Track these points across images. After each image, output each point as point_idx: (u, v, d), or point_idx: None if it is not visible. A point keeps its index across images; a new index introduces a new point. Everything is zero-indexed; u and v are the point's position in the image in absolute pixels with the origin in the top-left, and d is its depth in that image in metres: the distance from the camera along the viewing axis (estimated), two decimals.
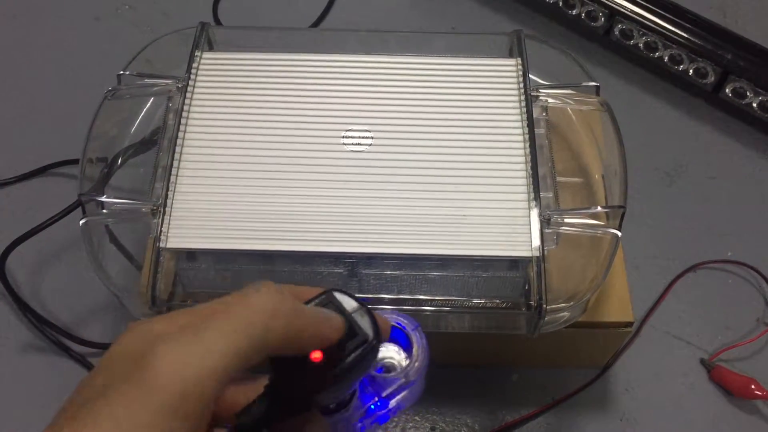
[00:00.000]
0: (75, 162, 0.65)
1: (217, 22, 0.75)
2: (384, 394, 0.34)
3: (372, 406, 0.34)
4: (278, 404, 0.29)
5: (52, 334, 0.57)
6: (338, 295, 0.30)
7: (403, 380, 0.34)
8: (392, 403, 0.35)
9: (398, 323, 0.35)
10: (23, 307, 0.57)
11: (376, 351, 0.30)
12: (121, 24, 0.76)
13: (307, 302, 0.30)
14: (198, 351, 0.26)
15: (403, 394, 0.35)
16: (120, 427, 0.25)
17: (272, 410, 0.29)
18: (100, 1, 0.78)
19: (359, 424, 0.34)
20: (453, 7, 0.78)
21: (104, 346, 0.57)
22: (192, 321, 0.28)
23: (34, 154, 0.66)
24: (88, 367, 0.56)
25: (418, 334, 0.35)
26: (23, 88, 0.72)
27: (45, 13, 0.77)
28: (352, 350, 0.29)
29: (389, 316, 0.35)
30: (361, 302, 0.31)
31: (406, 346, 0.35)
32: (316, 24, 0.76)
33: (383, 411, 0.34)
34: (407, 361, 0.35)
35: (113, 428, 0.25)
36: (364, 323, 0.30)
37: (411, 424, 0.55)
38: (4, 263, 0.55)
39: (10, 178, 0.65)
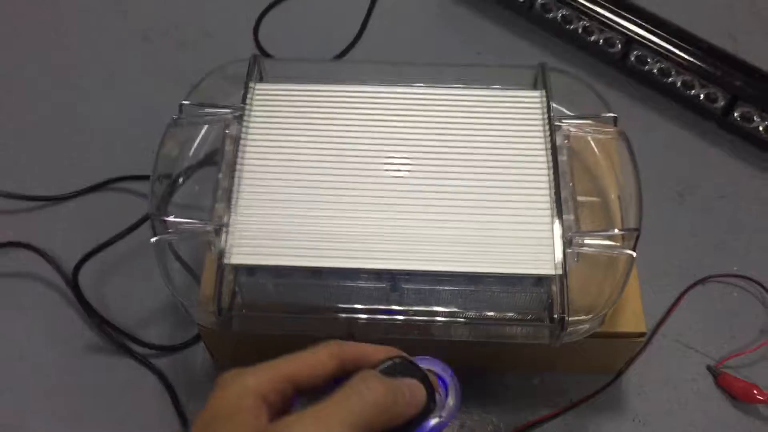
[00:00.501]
0: (131, 178, 0.70)
1: (257, 42, 0.80)
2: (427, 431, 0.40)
3: None
4: None
5: (116, 336, 0.62)
6: (411, 364, 0.39)
7: (442, 419, 0.40)
8: None
9: (438, 370, 0.41)
10: (89, 311, 0.62)
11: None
12: (167, 43, 0.81)
13: (391, 364, 0.38)
14: None
15: (441, 429, 0.40)
16: None
17: None
18: (149, 21, 0.83)
19: None
20: (478, 32, 0.82)
21: (163, 348, 0.62)
22: (280, 380, 0.36)
23: (88, 170, 0.71)
24: (149, 366, 0.61)
25: (453, 380, 0.41)
26: (75, 107, 0.76)
27: (94, 32, 0.82)
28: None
29: (430, 362, 0.41)
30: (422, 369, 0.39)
31: (443, 388, 0.41)
32: (347, 50, 0.80)
33: None
34: (445, 404, 0.40)
35: None
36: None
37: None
38: (77, 273, 0.60)
39: (72, 193, 0.69)
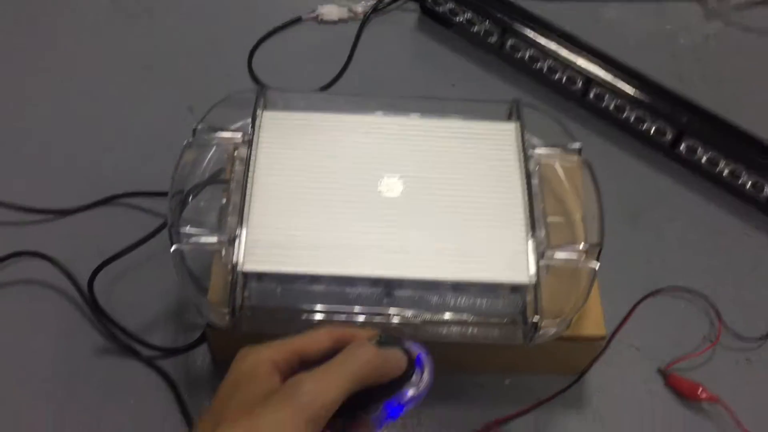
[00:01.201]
0: (133, 194, 0.75)
1: (251, 72, 0.86)
2: (403, 401, 0.46)
3: (392, 409, 0.46)
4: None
5: (123, 340, 0.66)
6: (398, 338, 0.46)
7: (416, 392, 0.47)
8: (406, 408, 0.47)
9: (415, 349, 0.47)
10: (101, 316, 0.66)
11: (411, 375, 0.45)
12: (168, 72, 0.86)
13: (379, 339, 0.45)
14: (327, 385, 0.41)
15: (415, 401, 0.47)
16: (279, 428, 0.39)
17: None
18: (150, 50, 0.88)
19: (382, 423, 0.46)
20: (452, 67, 0.89)
21: (168, 350, 0.66)
22: (288, 353, 0.43)
23: (94, 186, 0.75)
24: (154, 367, 0.65)
25: (429, 359, 0.48)
26: (82, 127, 0.81)
27: (99, 64, 0.87)
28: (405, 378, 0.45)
29: (409, 343, 0.48)
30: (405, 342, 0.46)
31: (419, 366, 0.47)
32: (334, 80, 0.86)
33: (399, 413, 0.46)
34: (420, 379, 0.47)
35: (274, 428, 0.39)
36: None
37: (423, 416, 0.64)
38: (93, 281, 0.65)
39: (79, 207, 0.74)
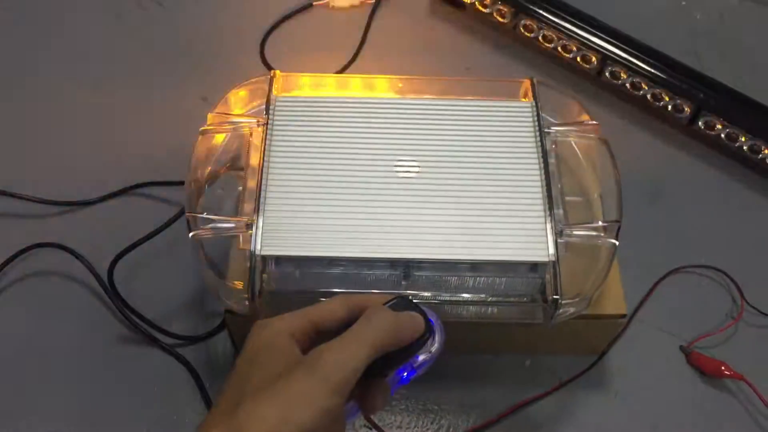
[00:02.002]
0: (149, 184, 0.75)
1: (263, 58, 0.86)
2: (415, 365, 0.47)
3: (405, 374, 0.47)
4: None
5: (145, 328, 0.66)
6: (411, 301, 0.46)
7: (428, 356, 0.47)
8: (418, 372, 0.47)
9: (427, 314, 0.47)
10: (123, 306, 0.66)
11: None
12: (181, 62, 0.86)
13: (393, 303, 0.45)
14: (349, 355, 0.41)
15: (426, 365, 0.47)
16: (305, 400, 0.39)
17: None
18: (165, 43, 0.88)
19: (395, 387, 0.47)
20: (467, 49, 0.88)
21: (189, 338, 0.67)
22: (304, 323, 0.43)
23: (110, 178, 0.76)
24: (176, 356, 0.66)
25: (439, 323, 0.48)
26: (97, 119, 0.82)
27: (111, 56, 0.87)
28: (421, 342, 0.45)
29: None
30: (420, 307, 0.46)
31: (430, 331, 0.47)
32: (348, 65, 0.86)
33: (411, 377, 0.47)
34: (432, 344, 0.47)
35: (300, 400, 0.39)
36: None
37: (444, 399, 0.64)
38: (113, 270, 0.65)
39: (96, 198, 0.74)
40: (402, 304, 0.46)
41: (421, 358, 0.46)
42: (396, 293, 0.57)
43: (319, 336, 0.44)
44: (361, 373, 0.41)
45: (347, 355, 0.41)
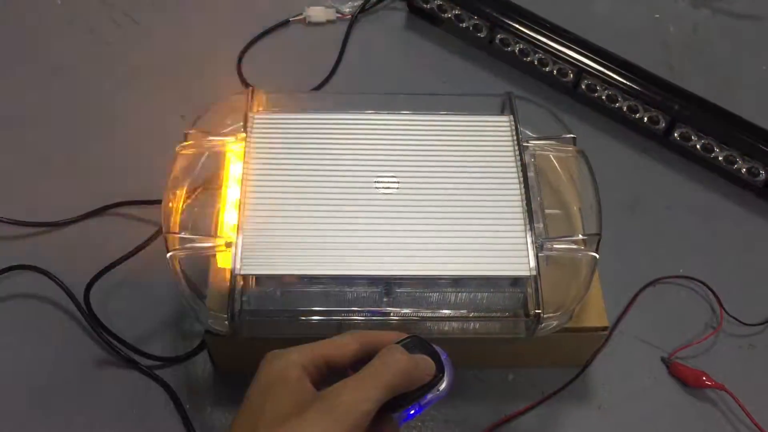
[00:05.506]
0: (128, 203, 0.74)
1: (241, 75, 0.85)
2: (423, 403, 0.46)
3: (412, 411, 0.46)
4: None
5: (122, 350, 0.65)
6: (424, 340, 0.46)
7: (436, 394, 0.47)
8: (424, 409, 0.47)
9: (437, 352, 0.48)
10: (99, 327, 0.65)
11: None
12: (157, 80, 0.85)
13: (407, 342, 0.45)
14: (364, 396, 0.41)
15: (433, 402, 0.47)
16: None
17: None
18: (141, 61, 0.88)
19: (401, 423, 0.47)
20: (443, 63, 0.89)
21: (168, 359, 0.66)
22: (316, 357, 0.43)
23: (85, 198, 0.74)
24: (154, 378, 0.65)
25: (449, 362, 0.48)
26: (72, 138, 0.80)
27: (87, 74, 0.86)
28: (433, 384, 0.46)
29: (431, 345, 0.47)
30: (432, 346, 0.46)
31: (438, 369, 0.47)
32: (326, 80, 0.86)
33: (419, 413, 0.47)
34: (440, 382, 0.47)
35: None
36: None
37: (427, 416, 0.64)
38: (89, 291, 0.64)
39: (72, 219, 0.73)
40: (415, 343, 0.46)
41: (430, 396, 0.46)
42: (379, 311, 0.58)
43: (330, 370, 0.44)
44: (373, 414, 0.41)
45: (362, 396, 0.41)
